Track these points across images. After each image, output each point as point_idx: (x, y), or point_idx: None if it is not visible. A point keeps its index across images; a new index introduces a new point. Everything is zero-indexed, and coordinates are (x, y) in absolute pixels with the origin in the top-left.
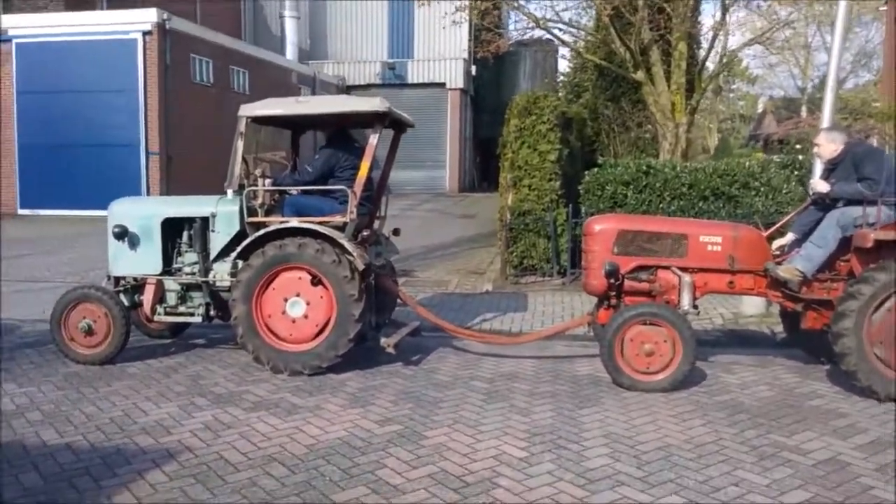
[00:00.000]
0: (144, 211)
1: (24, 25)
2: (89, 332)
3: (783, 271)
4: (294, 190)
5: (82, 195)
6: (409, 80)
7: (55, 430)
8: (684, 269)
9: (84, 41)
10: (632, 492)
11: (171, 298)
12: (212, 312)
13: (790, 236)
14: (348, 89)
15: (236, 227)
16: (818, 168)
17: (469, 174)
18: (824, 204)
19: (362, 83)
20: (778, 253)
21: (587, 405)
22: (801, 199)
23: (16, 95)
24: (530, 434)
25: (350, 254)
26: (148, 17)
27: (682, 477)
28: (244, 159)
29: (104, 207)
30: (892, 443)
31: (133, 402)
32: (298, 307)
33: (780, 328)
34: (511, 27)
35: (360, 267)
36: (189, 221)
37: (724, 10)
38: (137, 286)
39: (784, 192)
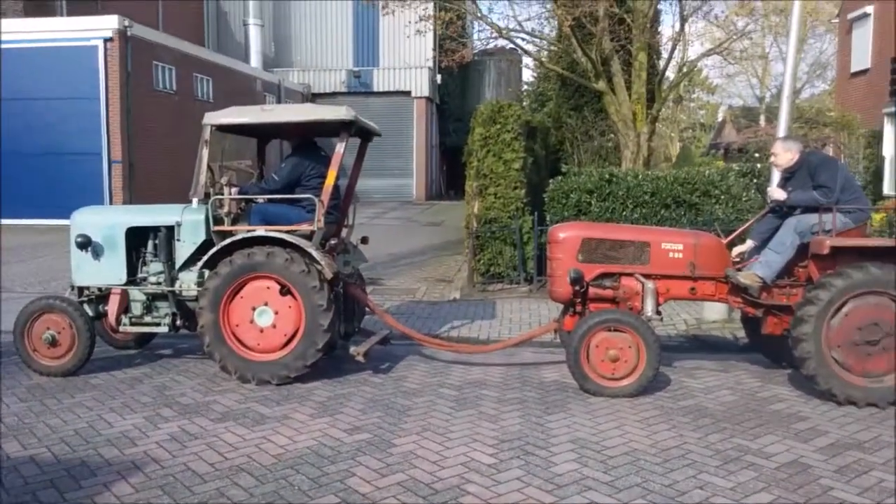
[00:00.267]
0: (108, 220)
1: None
2: (53, 343)
3: (743, 277)
4: (261, 198)
5: (43, 204)
6: (375, 89)
7: (18, 442)
8: (647, 276)
9: (44, 48)
10: (599, 496)
11: (137, 308)
12: (178, 322)
13: (749, 243)
14: (314, 97)
15: (202, 236)
16: (776, 176)
17: (435, 182)
18: (782, 211)
19: (328, 91)
20: (738, 259)
21: (554, 411)
22: (760, 206)
23: None
24: (499, 441)
25: (318, 263)
26: (109, 23)
27: (648, 481)
28: (209, 168)
29: (66, 217)
30: (851, 445)
31: (98, 413)
32: (266, 316)
33: (742, 333)
34: (475, 37)
35: (329, 276)
36: (154, 230)
37: (683, 21)
38: (102, 296)
39: (743, 199)
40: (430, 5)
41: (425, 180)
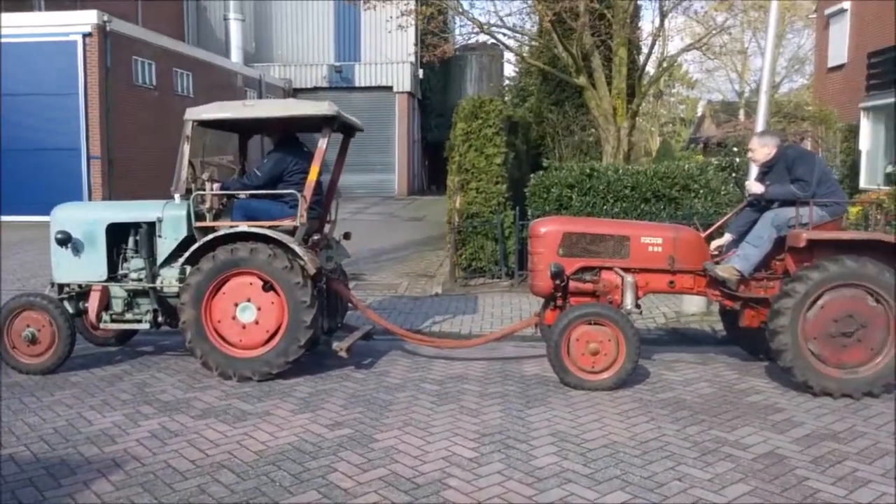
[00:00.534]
0: (88, 216)
1: None
2: (33, 341)
3: (721, 270)
4: (243, 194)
5: (22, 201)
6: (357, 84)
7: None
8: (627, 270)
9: (22, 43)
10: (579, 489)
11: (118, 305)
12: (159, 319)
13: (727, 237)
14: (295, 92)
15: (184, 233)
16: (754, 170)
17: (417, 177)
18: (760, 205)
19: (309, 86)
20: (716, 253)
21: (535, 405)
22: (738, 200)
23: None
24: (480, 435)
25: (301, 258)
26: (88, 18)
27: (627, 473)
28: (191, 163)
29: (46, 213)
30: (826, 435)
31: (77, 411)
32: (249, 313)
33: (720, 326)
34: (457, 32)
35: (312, 271)
36: (135, 227)
37: (663, 16)
38: (82, 293)
39: (722, 193)
40: (412, 0)
41: (407, 175)
